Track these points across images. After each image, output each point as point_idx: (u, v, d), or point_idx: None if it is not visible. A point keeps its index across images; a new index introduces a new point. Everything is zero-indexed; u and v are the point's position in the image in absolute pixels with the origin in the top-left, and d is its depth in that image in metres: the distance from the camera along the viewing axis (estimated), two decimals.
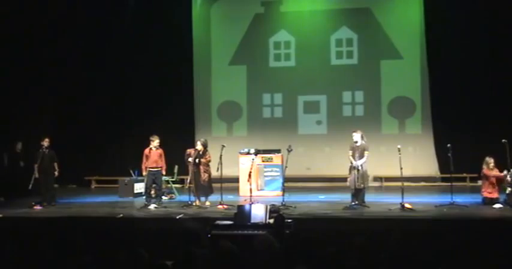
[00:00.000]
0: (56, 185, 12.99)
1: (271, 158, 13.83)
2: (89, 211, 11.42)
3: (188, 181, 12.05)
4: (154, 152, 11.87)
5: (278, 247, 5.38)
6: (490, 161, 11.26)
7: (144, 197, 12.26)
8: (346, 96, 16.62)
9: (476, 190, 12.25)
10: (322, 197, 13.13)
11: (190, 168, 11.76)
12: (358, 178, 10.98)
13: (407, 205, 10.57)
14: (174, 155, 12.82)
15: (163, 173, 12.14)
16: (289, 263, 4.87)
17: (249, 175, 11.47)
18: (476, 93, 15.13)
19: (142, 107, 16.51)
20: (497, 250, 5.25)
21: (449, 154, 11.19)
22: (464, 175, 14.81)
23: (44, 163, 12.09)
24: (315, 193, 13.87)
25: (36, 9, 15.53)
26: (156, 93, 16.54)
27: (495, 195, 11.12)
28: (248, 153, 13.43)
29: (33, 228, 8.79)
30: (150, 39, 16.48)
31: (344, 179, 11.84)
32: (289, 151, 11.77)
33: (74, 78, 16.40)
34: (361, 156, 11.10)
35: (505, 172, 11.00)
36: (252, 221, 8.25)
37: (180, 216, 10.12)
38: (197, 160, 11.63)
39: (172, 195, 13.52)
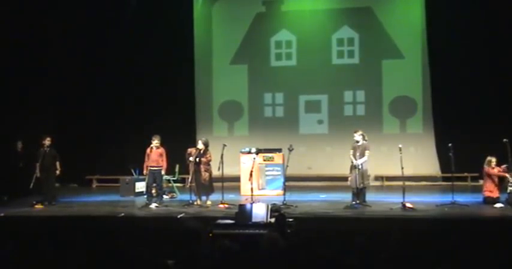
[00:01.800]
0: (57, 185, 12.98)
1: (273, 158, 13.83)
2: (90, 210, 11.41)
3: (189, 180, 12.04)
4: (154, 151, 11.87)
5: (283, 245, 5.39)
6: (492, 160, 11.26)
7: (145, 196, 12.29)
8: (348, 95, 16.61)
9: (478, 190, 12.26)
10: (323, 196, 13.13)
11: (191, 167, 11.74)
12: (357, 177, 10.98)
13: (408, 205, 10.56)
14: (175, 155, 12.81)
15: (163, 172, 12.12)
16: (290, 262, 4.86)
17: (250, 174, 11.47)
18: (477, 93, 15.12)
19: (143, 107, 16.50)
20: (498, 249, 5.23)
21: (451, 154, 11.17)
22: (466, 174, 14.78)
23: (45, 162, 12.10)
24: (316, 192, 13.88)
25: (36, 9, 15.52)
26: (157, 93, 16.54)
27: (496, 194, 11.12)
28: (249, 152, 13.39)
29: (34, 227, 8.77)
30: (150, 39, 16.46)
31: (345, 179, 11.86)
32: (290, 150, 11.74)
33: (74, 78, 16.40)
34: (362, 155, 11.09)
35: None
36: (253, 220, 8.23)
37: (181, 215, 10.10)
38: (198, 159, 11.62)
39: (174, 194, 13.54)
